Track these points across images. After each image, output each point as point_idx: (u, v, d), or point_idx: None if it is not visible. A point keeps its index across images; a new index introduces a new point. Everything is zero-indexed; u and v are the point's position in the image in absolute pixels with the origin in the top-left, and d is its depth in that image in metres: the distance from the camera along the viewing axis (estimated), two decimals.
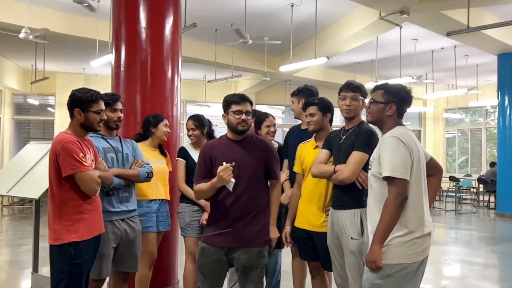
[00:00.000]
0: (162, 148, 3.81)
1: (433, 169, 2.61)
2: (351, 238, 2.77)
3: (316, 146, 3.15)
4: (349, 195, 2.82)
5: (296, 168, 3.27)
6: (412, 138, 2.45)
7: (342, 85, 2.99)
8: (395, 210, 2.31)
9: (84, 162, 2.65)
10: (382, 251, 2.33)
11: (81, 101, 2.76)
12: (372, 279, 2.38)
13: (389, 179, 2.33)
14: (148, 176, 3.22)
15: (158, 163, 3.65)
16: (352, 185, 2.79)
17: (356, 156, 2.76)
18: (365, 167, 2.75)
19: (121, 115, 3.22)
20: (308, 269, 3.45)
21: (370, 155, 2.65)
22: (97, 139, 3.09)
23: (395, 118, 2.52)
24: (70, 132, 2.75)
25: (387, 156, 2.36)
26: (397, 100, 2.50)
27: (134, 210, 3.28)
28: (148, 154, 3.61)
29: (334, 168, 2.83)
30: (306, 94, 3.59)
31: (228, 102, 2.78)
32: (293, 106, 3.68)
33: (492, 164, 12.38)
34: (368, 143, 2.76)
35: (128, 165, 3.23)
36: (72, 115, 2.78)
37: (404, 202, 2.32)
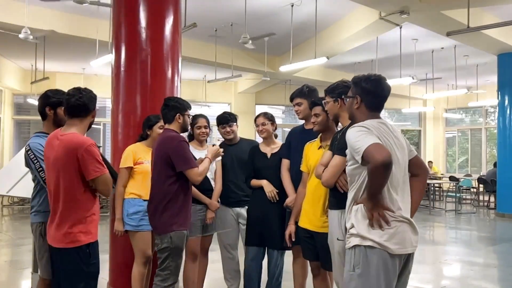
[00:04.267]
0: None
1: (417, 169, 2.51)
2: (337, 239, 2.76)
3: (320, 146, 3.16)
4: (335, 195, 2.80)
5: (302, 167, 3.28)
6: (378, 127, 2.34)
7: None
8: (378, 177, 2.14)
9: (103, 164, 2.69)
10: (381, 200, 2.24)
11: (96, 100, 2.84)
12: (347, 281, 2.33)
13: (364, 157, 2.19)
14: None
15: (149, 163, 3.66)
16: (335, 185, 2.77)
17: (334, 160, 2.72)
18: None
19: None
20: (309, 269, 3.46)
21: None
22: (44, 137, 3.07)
23: (364, 111, 2.42)
24: (79, 132, 2.74)
25: (352, 145, 2.27)
26: (359, 91, 2.42)
27: None
28: (146, 155, 3.63)
29: (323, 171, 2.83)
30: (315, 95, 3.57)
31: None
32: (302, 108, 3.55)
33: (496, 164, 12.38)
34: (346, 146, 2.62)
35: None
36: (87, 114, 2.78)
37: (389, 166, 2.12)
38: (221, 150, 3.50)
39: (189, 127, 3.54)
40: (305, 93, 3.57)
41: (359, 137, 2.25)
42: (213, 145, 3.58)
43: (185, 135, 3.50)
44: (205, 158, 3.35)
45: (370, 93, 2.42)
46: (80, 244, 2.64)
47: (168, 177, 3.12)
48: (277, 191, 3.63)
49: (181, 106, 3.34)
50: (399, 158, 2.38)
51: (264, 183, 3.68)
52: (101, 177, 2.65)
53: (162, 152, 3.16)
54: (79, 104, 2.72)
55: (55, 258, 2.75)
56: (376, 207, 2.25)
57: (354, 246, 2.30)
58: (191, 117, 3.47)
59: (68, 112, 2.76)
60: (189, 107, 3.42)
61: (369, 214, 2.27)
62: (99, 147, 2.84)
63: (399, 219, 2.30)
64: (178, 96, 3.59)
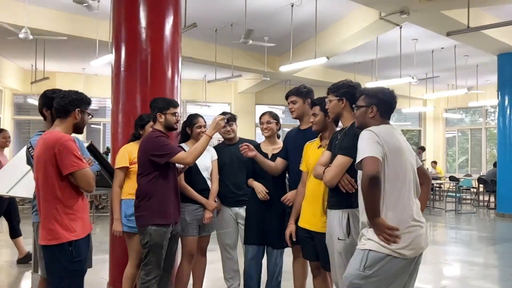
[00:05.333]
0: None
1: (422, 177, 2.62)
2: (338, 239, 2.78)
3: (320, 146, 3.17)
4: (337, 195, 2.82)
5: (302, 167, 3.29)
6: (389, 132, 2.49)
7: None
8: (366, 189, 2.29)
9: (83, 159, 2.68)
10: (382, 222, 2.33)
11: (82, 102, 2.82)
12: (352, 278, 2.38)
13: (361, 162, 2.36)
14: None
15: None
16: (337, 185, 2.79)
17: (338, 160, 2.77)
18: (351, 171, 2.72)
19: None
20: (309, 269, 3.46)
21: (355, 158, 2.66)
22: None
23: (378, 119, 2.58)
24: (62, 131, 2.74)
25: (359, 146, 2.42)
26: (376, 101, 2.59)
27: None
28: (135, 154, 3.62)
29: (324, 170, 2.84)
30: (311, 96, 3.58)
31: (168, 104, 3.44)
32: (297, 106, 3.56)
33: (496, 164, 12.37)
34: (352, 146, 2.64)
35: None
36: (66, 115, 2.78)
37: (375, 180, 2.27)
38: (221, 120, 3.47)
39: (175, 125, 3.49)
40: (301, 92, 3.56)
41: (367, 143, 2.39)
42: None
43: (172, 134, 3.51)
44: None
45: (387, 104, 2.61)
46: (61, 242, 2.63)
47: (148, 175, 3.32)
48: (267, 191, 3.62)
49: (160, 105, 3.43)
50: (409, 159, 2.50)
51: (255, 184, 3.69)
52: (78, 172, 2.63)
53: (143, 152, 3.38)
54: (58, 105, 2.79)
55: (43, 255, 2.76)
56: (381, 229, 2.34)
57: (370, 250, 2.36)
58: (177, 114, 3.47)
59: (55, 113, 2.83)
60: (173, 105, 3.45)
61: (378, 236, 2.35)
62: (108, 149, 2.89)
63: (416, 225, 2.40)
64: (162, 97, 3.64)
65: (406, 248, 2.34)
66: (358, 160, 2.38)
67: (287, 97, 3.64)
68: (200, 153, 3.36)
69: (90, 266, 3.29)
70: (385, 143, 2.39)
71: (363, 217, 2.48)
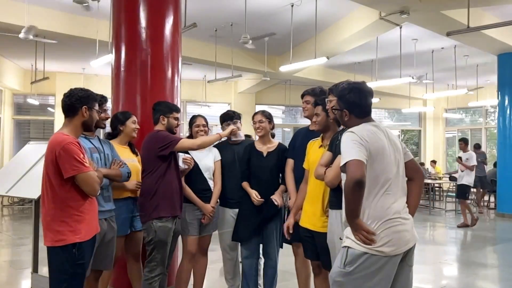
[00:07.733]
0: (133, 147, 3.81)
1: (413, 172, 2.53)
2: (339, 238, 2.77)
3: (321, 145, 3.19)
4: (338, 195, 2.78)
5: (304, 165, 3.31)
6: (370, 131, 2.39)
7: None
8: (350, 193, 2.22)
9: (85, 163, 2.65)
10: (360, 223, 2.28)
11: (88, 99, 2.80)
12: (335, 276, 2.36)
13: (345, 166, 2.28)
14: (128, 176, 3.34)
15: (129, 161, 3.64)
16: (339, 185, 2.77)
17: (338, 160, 2.70)
18: None
19: (110, 115, 3.49)
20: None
21: None
22: (80, 139, 3.01)
23: (355, 121, 2.48)
24: (67, 133, 2.73)
25: (342, 149, 2.36)
26: (346, 105, 2.50)
27: (113, 209, 3.34)
28: (118, 152, 3.61)
29: (325, 171, 2.84)
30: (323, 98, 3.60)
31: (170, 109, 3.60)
32: (310, 106, 3.58)
33: (496, 164, 12.34)
34: None
35: (109, 165, 3.30)
36: (74, 114, 2.77)
37: (360, 184, 2.20)
38: (236, 128, 3.68)
39: (175, 129, 3.60)
40: (316, 93, 3.58)
41: (350, 146, 2.31)
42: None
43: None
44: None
45: (356, 105, 2.48)
46: (65, 243, 2.62)
47: (153, 173, 3.41)
48: (262, 199, 3.63)
49: (165, 109, 3.57)
50: (392, 157, 2.41)
51: (248, 190, 3.69)
52: (79, 176, 2.61)
53: (147, 150, 3.46)
54: (64, 105, 2.79)
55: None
56: (358, 230, 2.28)
57: (348, 247, 2.32)
58: (179, 119, 3.62)
59: (63, 113, 2.83)
60: (176, 110, 3.62)
61: (355, 236, 2.31)
62: None
63: (395, 221, 2.32)
64: (167, 100, 3.76)
65: (385, 245, 2.27)
66: (342, 163, 2.31)
67: (302, 96, 3.69)
68: (207, 145, 3.53)
69: (105, 268, 3.31)
70: (367, 144, 2.32)
71: (344, 216, 2.43)
